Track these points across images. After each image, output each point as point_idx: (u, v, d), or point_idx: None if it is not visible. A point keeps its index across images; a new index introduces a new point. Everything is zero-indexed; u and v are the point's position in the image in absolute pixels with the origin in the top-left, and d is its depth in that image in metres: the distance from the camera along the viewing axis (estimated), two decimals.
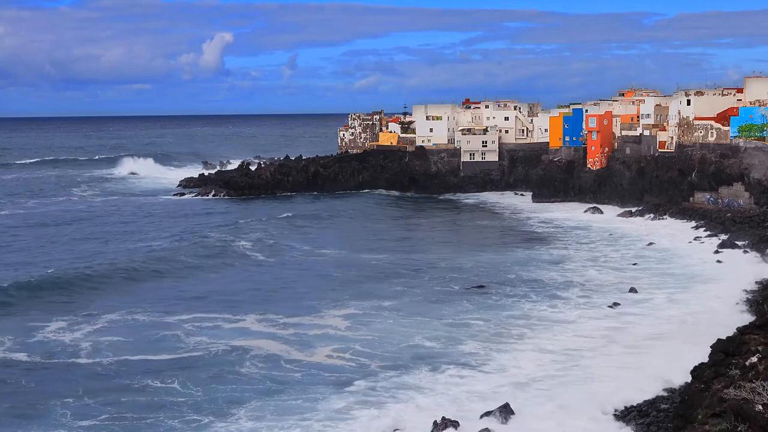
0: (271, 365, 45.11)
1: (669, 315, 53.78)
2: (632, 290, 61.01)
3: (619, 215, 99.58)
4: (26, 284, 62.45)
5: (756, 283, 59.39)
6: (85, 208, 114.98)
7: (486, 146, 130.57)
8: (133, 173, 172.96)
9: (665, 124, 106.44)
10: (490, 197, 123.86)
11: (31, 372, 44.24)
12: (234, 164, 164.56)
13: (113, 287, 63.78)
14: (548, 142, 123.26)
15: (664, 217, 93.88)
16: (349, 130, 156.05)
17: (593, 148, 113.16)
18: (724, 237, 77.80)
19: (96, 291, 62.53)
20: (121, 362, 45.67)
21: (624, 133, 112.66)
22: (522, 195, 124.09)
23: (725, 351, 35.27)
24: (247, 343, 48.70)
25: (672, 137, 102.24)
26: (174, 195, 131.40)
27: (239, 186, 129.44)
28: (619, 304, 57.33)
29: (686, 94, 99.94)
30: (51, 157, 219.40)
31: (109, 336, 50.40)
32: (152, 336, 50.52)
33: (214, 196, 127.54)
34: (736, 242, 74.44)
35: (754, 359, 32.12)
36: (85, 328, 51.84)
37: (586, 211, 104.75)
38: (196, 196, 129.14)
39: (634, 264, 71.41)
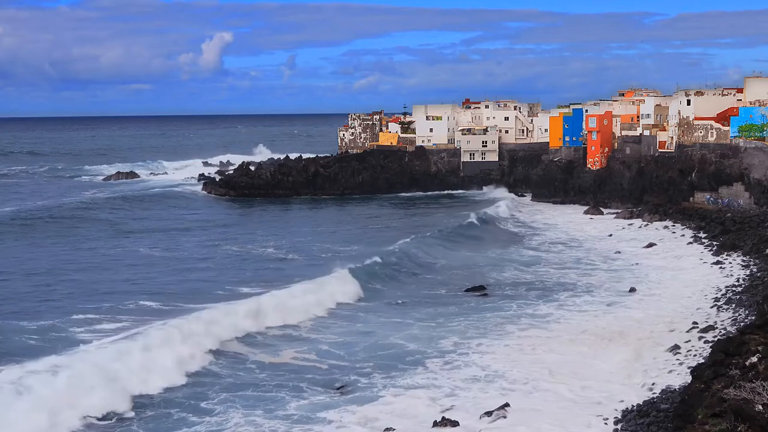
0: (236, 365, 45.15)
1: (669, 315, 53.73)
2: (632, 290, 61.05)
3: (619, 215, 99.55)
4: None
5: (756, 283, 59.33)
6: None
7: (486, 146, 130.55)
8: (131, 173, 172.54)
9: (665, 124, 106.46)
10: (490, 198, 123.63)
11: None
12: (234, 164, 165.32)
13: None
14: (548, 142, 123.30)
15: (664, 217, 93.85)
16: (349, 130, 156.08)
17: (593, 148, 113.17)
18: (723, 237, 77.75)
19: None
20: None
21: (624, 133, 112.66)
22: (522, 196, 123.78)
23: (725, 351, 35.22)
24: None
25: (672, 137, 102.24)
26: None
27: (239, 186, 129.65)
28: (619, 303, 57.42)
29: (686, 94, 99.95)
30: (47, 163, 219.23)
31: None
32: None
33: (213, 195, 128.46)
34: (736, 242, 74.35)
35: (754, 359, 32.09)
36: None
37: (586, 212, 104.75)
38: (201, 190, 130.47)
39: (634, 264, 71.45)
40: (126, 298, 57.32)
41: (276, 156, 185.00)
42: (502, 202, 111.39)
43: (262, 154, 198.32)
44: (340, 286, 61.01)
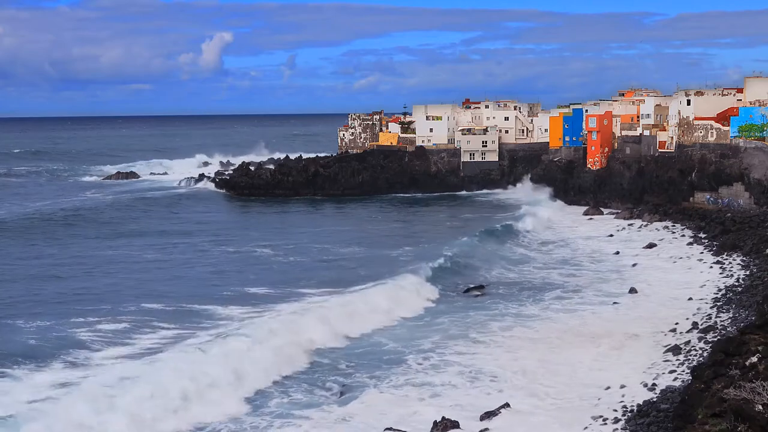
0: None
1: (669, 315, 53.74)
2: (632, 290, 61.06)
3: (619, 215, 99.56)
4: None
5: (756, 283, 59.31)
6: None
7: (486, 146, 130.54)
8: (129, 173, 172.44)
9: (665, 124, 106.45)
10: (491, 197, 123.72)
11: None
12: (234, 164, 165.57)
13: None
14: (548, 142, 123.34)
15: (664, 217, 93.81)
16: (349, 130, 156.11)
17: (593, 148, 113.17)
18: (723, 237, 77.74)
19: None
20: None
21: (624, 133, 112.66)
22: None
23: (725, 351, 35.24)
24: None
25: (672, 137, 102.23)
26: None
27: (239, 186, 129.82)
28: (619, 304, 57.44)
29: (686, 94, 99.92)
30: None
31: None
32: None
33: (213, 194, 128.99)
34: (736, 242, 74.35)
35: (754, 359, 32.11)
36: None
37: (585, 212, 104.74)
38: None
39: (634, 264, 71.44)
40: (127, 300, 57.30)
41: (276, 156, 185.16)
42: (541, 208, 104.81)
43: (262, 154, 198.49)
44: (417, 293, 60.03)
